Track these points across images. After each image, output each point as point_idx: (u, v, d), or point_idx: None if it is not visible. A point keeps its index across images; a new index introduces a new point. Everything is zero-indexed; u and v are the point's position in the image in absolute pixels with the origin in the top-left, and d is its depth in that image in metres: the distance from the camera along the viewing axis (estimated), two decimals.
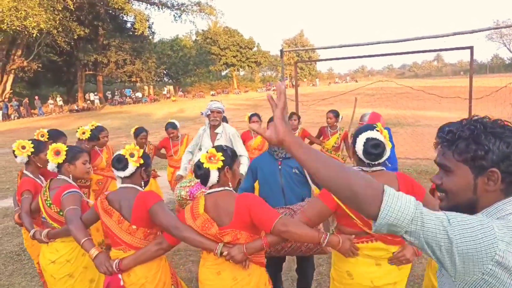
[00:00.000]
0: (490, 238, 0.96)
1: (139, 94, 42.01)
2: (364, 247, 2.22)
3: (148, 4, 37.86)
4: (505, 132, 1.08)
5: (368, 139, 2.18)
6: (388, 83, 11.31)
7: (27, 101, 31.76)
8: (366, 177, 1.06)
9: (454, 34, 7.80)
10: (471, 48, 7.78)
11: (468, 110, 8.03)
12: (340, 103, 10.90)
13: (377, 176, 2.20)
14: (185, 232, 2.17)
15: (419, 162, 8.71)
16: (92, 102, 36.34)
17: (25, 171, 3.24)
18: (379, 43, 8.95)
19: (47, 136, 3.84)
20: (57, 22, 26.34)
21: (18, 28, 24.06)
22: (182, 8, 37.46)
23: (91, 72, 38.91)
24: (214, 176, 2.19)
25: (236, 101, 34.73)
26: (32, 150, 3.19)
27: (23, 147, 3.18)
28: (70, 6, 27.05)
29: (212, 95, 46.41)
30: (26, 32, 25.20)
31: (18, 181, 3.25)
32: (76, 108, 34.32)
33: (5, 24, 23.30)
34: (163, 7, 37.65)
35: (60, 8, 26.37)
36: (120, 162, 2.36)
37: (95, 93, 38.15)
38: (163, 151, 5.90)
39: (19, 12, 23.41)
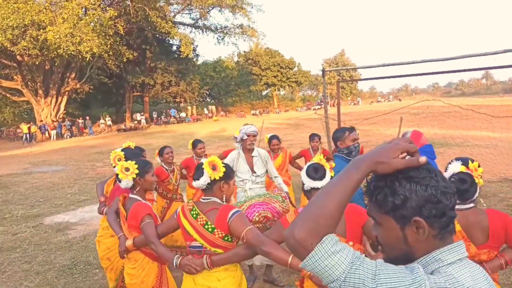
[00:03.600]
0: None
1: (183, 114, 43.32)
2: None
3: (193, 28, 39.33)
4: (421, 174, 0.98)
5: (453, 174, 2.19)
6: (434, 102, 10.98)
7: (79, 121, 33.54)
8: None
9: (506, 51, 7.50)
10: None
11: None
12: (384, 122, 10.70)
13: (467, 214, 2.18)
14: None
15: None
16: (139, 122, 37.79)
17: (132, 196, 3.00)
18: (423, 61, 8.73)
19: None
20: (108, 47, 27.83)
21: (73, 52, 25.64)
22: (225, 31, 38.56)
23: (138, 93, 40.55)
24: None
25: (277, 120, 34.89)
26: (137, 171, 2.98)
27: (127, 169, 2.96)
28: (120, 31, 28.63)
29: (254, 114, 46.96)
30: (80, 56, 26.78)
31: (121, 207, 3.00)
32: (124, 127, 35.77)
33: (62, 49, 24.91)
34: (207, 30, 38.91)
35: (111, 33, 27.91)
36: (317, 172, 2.40)
37: (142, 113, 39.71)
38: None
39: (74, 38, 25.00)
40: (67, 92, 32.48)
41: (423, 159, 0.98)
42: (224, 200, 2.51)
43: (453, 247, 1.01)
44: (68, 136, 30.94)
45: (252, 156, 4.40)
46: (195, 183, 2.49)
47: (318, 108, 44.56)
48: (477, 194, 2.16)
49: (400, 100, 59.75)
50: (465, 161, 2.22)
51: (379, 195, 1.02)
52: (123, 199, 3.04)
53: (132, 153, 3.69)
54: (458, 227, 2.12)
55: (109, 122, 36.34)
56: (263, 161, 4.43)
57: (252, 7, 35.83)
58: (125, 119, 38.97)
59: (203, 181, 2.44)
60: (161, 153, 5.23)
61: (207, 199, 2.49)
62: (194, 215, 2.44)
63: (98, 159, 16.99)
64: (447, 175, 2.20)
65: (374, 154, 1.01)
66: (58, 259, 5.49)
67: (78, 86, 31.98)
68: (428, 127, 12.77)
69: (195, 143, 5.69)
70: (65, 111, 33.40)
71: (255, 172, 4.33)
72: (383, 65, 9.53)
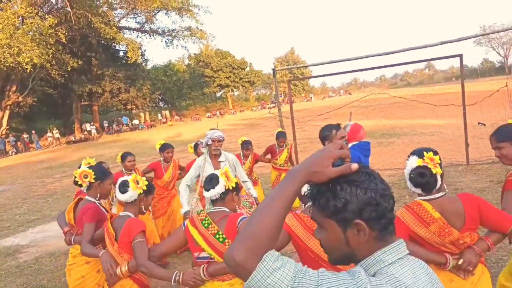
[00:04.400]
0: None
1: (136, 121, 42.17)
2: None
3: (140, 33, 38.39)
4: (361, 177, 1.01)
5: (412, 170, 2.19)
6: (380, 95, 11.41)
7: (24, 136, 31.80)
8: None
9: (443, 43, 7.93)
10: (460, 56, 7.91)
11: (463, 117, 8.11)
12: (336, 117, 10.92)
13: (441, 202, 2.21)
14: None
15: None
16: (89, 132, 36.34)
17: (123, 213, 2.74)
18: (369, 56, 9.06)
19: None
20: (50, 56, 26.56)
21: (11, 64, 24.27)
22: (173, 34, 37.96)
23: (86, 103, 39.05)
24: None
25: (233, 121, 34.86)
26: (145, 188, 2.75)
27: (137, 182, 2.73)
28: (62, 39, 27.39)
29: (209, 117, 46.59)
30: (20, 68, 25.38)
31: (109, 227, 2.71)
32: (74, 139, 34.34)
33: None
34: (154, 34, 38.16)
35: (52, 42, 26.66)
36: None
37: (92, 123, 38.24)
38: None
39: (12, 49, 23.67)
40: (8, 106, 30.74)
41: (355, 166, 1.00)
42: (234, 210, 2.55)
43: (393, 247, 1.03)
44: (13, 153, 29.33)
45: (219, 162, 4.31)
46: (208, 194, 2.48)
47: (272, 107, 44.88)
48: (439, 183, 2.19)
49: (350, 94, 61.48)
50: (419, 153, 2.22)
51: (322, 199, 1.03)
52: (110, 218, 2.78)
53: (102, 172, 3.30)
54: (437, 214, 2.16)
55: (57, 135, 34.65)
56: (231, 166, 4.36)
57: (199, 9, 35.45)
58: (74, 130, 37.35)
59: (219, 189, 2.45)
60: None
61: (217, 208, 2.49)
62: (206, 225, 2.41)
63: (48, 175, 16.18)
64: (406, 172, 2.23)
65: (309, 164, 1.02)
66: (8, 285, 5.17)
67: (20, 99, 30.38)
68: (377, 119, 13.27)
69: (124, 155, 5.32)
70: (8, 127, 31.61)
71: None
72: (331, 62, 9.80)
